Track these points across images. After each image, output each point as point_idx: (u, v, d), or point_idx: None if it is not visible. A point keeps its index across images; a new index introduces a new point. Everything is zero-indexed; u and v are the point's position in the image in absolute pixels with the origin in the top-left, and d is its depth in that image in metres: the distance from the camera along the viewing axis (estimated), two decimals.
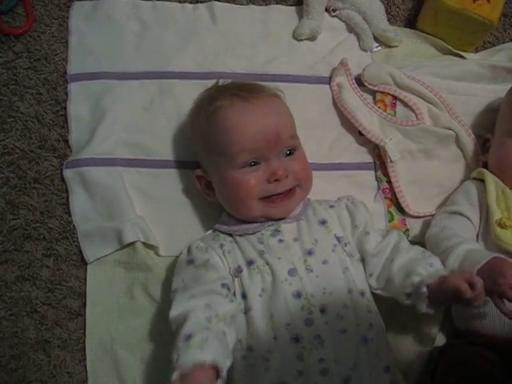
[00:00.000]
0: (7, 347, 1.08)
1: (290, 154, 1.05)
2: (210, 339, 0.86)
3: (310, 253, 1.00)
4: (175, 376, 0.82)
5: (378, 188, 1.22)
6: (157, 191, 1.16)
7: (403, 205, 1.20)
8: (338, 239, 1.04)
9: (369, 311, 0.99)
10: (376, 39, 1.30)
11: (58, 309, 1.10)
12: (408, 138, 1.22)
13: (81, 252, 1.12)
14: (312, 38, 1.28)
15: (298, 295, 0.96)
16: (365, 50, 1.29)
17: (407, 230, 1.20)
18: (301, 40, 1.27)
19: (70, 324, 1.10)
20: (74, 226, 1.13)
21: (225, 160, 1.02)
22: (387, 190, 1.22)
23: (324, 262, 1.00)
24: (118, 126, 1.17)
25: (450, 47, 1.30)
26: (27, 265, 1.11)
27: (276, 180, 1.02)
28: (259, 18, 1.28)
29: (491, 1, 1.22)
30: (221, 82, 1.16)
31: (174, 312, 0.93)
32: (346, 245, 1.04)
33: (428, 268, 0.99)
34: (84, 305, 1.11)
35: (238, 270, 0.99)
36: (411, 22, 1.34)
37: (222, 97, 1.05)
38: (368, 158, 1.24)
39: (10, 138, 1.17)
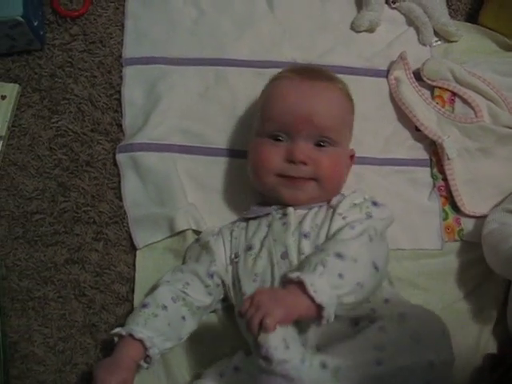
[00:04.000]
0: (55, 329, 1.07)
1: (320, 146, 1.01)
2: (158, 318, 0.96)
3: (305, 236, 0.97)
4: (115, 331, 0.96)
5: (434, 185, 1.19)
6: (209, 179, 1.15)
7: (459, 204, 1.17)
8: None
9: None
10: (435, 33, 1.26)
11: (105, 293, 1.10)
12: (466, 135, 1.18)
13: (130, 237, 1.11)
14: (370, 30, 1.25)
15: None
16: (424, 45, 1.26)
17: (461, 229, 1.17)
18: (359, 32, 1.25)
19: (117, 309, 1.09)
20: (124, 211, 1.13)
21: (258, 124, 1.05)
22: (443, 188, 1.19)
23: (317, 248, 0.95)
24: (172, 112, 1.16)
25: None
26: (77, 248, 1.11)
27: (292, 162, 0.99)
28: (317, 7, 1.26)
29: None
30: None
31: (166, 276, 1.03)
32: None
33: None
34: (131, 291, 1.09)
35: (236, 256, 1.01)
36: (472, 17, 1.30)
37: (287, 70, 1.07)
38: (424, 155, 1.20)
39: (63, 120, 1.17)
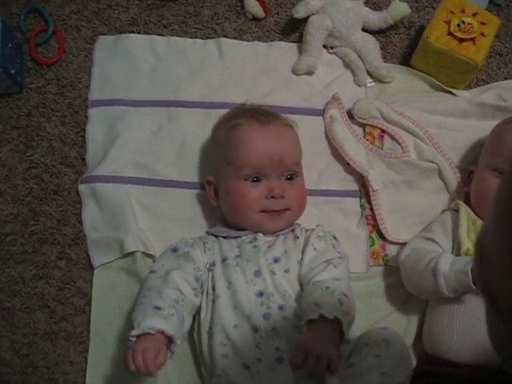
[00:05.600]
0: (20, 335, 1.24)
1: (290, 179, 1.18)
2: (174, 317, 1.03)
3: (276, 260, 1.13)
4: (136, 332, 0.99)
5: (361, 214, 1.31)
6: (158, 207, 1.29)
7: (383, 231, 1.28)
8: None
9: None
10: (370, 75, 1.38)
11: (65, 305, 1.25)
12: (391, 169, 1.30)
13: (89, 257, 1.27)
14: (309, 73, 1.37)
15: (261, 294, 1.09)
16: (359, 85, 1.37)
17: (386, 254, 1.29)
18: (299, 75, 1.38)
19: (75, 319, 1.24)
20: (84, 233, 1.28)
21: (231, 170, 1.16)
22: (369, 217, 1.31)
23: (286, 271, 1.12)
24: (128, 148, 1.31)
25: (441, 84, 1.37)
26: (42, 265, 1.27)
27: (272, 197, 1.15)
28: (262, 53, 1.39)
29: (476, 43, 1.28)
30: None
31: (155, 280, 1.10)
32: None
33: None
34: (88, 303, 1.25)
35: (212, 265, 1.14)
36: (406, 60, 1.41)
37: (242, 116, 1.20)
38: (354, 187, 1.33)
39: (36, 154, 1.33)
